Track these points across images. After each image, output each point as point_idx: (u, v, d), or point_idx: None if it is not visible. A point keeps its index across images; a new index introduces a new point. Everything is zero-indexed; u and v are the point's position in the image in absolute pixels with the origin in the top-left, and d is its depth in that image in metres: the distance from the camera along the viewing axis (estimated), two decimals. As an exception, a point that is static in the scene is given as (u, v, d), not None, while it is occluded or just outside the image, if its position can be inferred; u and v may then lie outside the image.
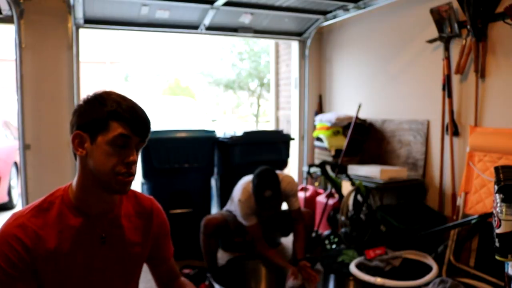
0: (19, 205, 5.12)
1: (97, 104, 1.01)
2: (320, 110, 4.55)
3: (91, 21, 3.56)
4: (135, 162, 1.02)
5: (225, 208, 2.92)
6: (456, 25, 2.84)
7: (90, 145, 1.01)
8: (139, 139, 1.03)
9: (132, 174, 1.03)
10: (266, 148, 3.48)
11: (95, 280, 1.08)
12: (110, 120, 0.99)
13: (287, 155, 3.63)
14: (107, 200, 1.09)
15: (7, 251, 0.96)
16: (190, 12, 3.66)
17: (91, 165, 1.01)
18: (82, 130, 1.01)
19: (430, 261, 2.46)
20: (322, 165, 3.36)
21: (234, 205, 2.72)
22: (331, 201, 3.45)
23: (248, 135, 3.41)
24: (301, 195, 3.79)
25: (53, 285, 1.02)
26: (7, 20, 3.15)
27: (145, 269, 1.34)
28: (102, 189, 1.03)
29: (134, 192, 1.21)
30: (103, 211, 1.09)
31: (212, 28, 3.93)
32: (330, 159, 3.77)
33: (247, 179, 2.72)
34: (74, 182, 1.07)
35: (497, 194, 1.31)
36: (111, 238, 1.10)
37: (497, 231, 1.30)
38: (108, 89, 1.07)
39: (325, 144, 3.83)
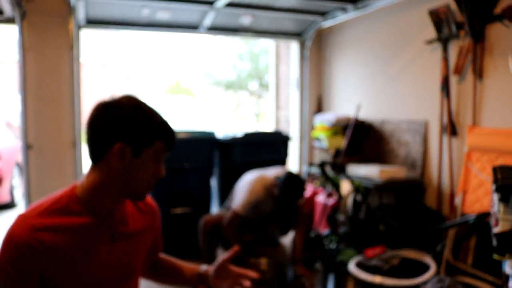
0: (21, 205, 5.14)
1: (144, 118, 1.02)
2: (319, 110, 4.57)
3: (92, 22, 3.58)
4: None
5: (224, 206, 2.94)
6: (454, 26, 2.86)
7: (132, 157, 1.01)
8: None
9: None
10: (265, 148, 3.50)
11: (103, 277, 1.09)
12: (157, 137, 1.04)
13: (286, 155, 3.65)
14: (117, 201, 1.11)
15: (16, 256, 0.95)
16: (190, 13, 3.68)
17: (130, 177, 1.03)
18: (125, 142, 1.00)
19: (428, 260, 2.47)
20: (321, 165, 3.38)
21: (240, 191, 2.74)
22: (330, 201, 3.47)
23: (248, 135, 3.43)
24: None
25: (62, 284, 1.03)
26: (10, 21, 3.17)
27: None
28: (124, 195, 1.08)
29: None
30: (111, 210, 1.11)
31: (213, 29, 3.95)
32: (329, 159, 3.79)
33: (261, 174, 2.76)
34: (86, 182, 1.06)
35: (494, 194, 1.33)
36: (119, 236, 1.12)
37: (495, 230, 1.32)
38: (137, 97, 1.07)
39: (325, 144, 3.84)
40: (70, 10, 3.25)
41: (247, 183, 2.71)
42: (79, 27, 3.49)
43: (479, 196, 2.52)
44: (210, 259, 2.74)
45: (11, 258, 0.95)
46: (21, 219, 1.00)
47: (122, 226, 1.13)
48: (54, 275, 1.01)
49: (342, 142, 3.72)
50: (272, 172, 2.74)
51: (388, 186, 3.10)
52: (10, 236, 0.98)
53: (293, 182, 2.59)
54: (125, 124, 1.00)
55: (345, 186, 3.34)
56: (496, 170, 1.38)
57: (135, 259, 1.18)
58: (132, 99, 1.04)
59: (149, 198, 1.28)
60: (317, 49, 4.57)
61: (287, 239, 3.33)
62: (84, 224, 1.05)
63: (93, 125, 1.02)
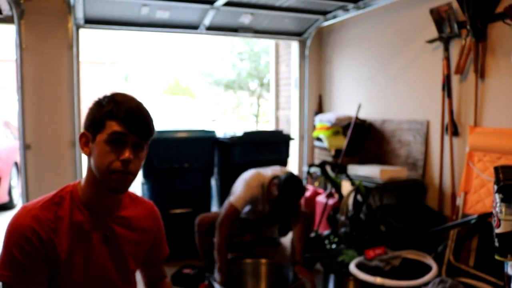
0: (19, 205, 5.13)
1: (98, 105, 1.05)
2: (320, 110, 4.56)
3: (91, 21, 3.56)
4: (130, 160, 1.03)
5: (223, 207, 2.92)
6: (455, 26, 2.84)
7: (92, 144, 1.05)
8: (135, 137, 1.04)
9: (128, 172, 1.04)
10: (266, 148, 3.48)
11: (95, 278, 1.09)
12: (106, 119, 1.02)
13: (287, 155, 3.63)
14: (112, 199, 1.11)
15: (23, 242, 0.96)
16: (190, 12, 3.66)
17: (92, 163, 1.05)
18: (87, 130, 1.06)
19: (429, 261, 2.46)
20: (322, 165, 3.37)
21: (237, 188, 2.72)
22: (331, 201, 3.45)
23: (248, 135, 3.42)
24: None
25: (57, 281, 1.02)
26: (8, 20, 3.15)
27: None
28: (103, 186, 1.06)
29: (136, 196, 1.25)
30: (108, 210, 1.11)
31: (212, 28, 3.94)
32: (330, 159, 3.77)
33: (258, 171, 2.75)
34: (83, 179, 1.09)
35: (496, 194, 1.32)
36: (114, 238, 1.12)
37: (497, 231, 1.31)
38: (118, 91, 1.09)
39: (325, 144, 3.83)
40: (69, 9, 3.24)
41: (243, 180, 2.71)
42: (78, 27, 3.47)
43: (480, 197, 2.50)
44: (207, 259, 2.73)
45: (18, 244, 0.96)
46: (24, 210, 1.02)
47: (118, 229, 1.12)
48: (54, 268, 1.01)
49: (342, 142, 3.71)
50: (269, 171, 2.74)
51: (389, 186, 3.09)
52: (14, 224, 0.99)
53: (294, 183, 2.58)
54: (86, 114, 1.07)
55: (346, 186, 3.32)
56: (498, 170, 1.36)
57: (128, 265, 1.17)
58: (104, 94, 1.08)
59: (153, 206, 1.28)
60: (317, 49, 4.55)
61: (287, 240, 3.31)
62: (81, 221, 1.06)
63: None
